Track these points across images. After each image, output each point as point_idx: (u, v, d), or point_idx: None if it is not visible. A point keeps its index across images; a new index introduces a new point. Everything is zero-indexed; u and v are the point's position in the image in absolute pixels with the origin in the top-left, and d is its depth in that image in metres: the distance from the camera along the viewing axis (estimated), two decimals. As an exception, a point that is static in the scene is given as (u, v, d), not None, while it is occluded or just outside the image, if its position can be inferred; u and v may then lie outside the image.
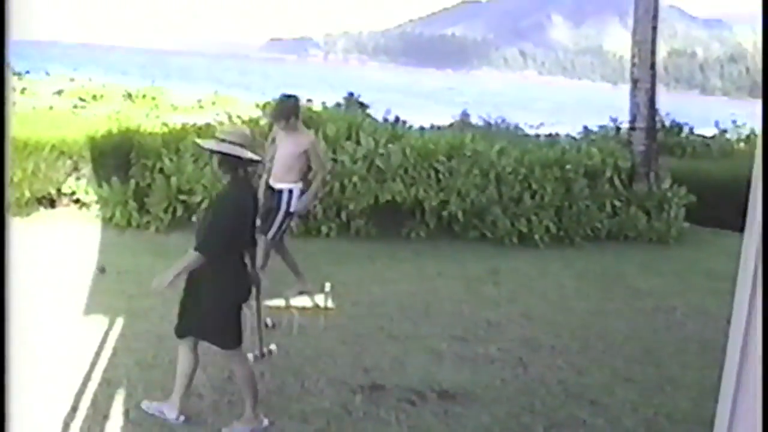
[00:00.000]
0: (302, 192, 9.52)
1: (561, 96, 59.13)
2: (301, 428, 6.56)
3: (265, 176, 9.78)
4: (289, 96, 9.71)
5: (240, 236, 6.25)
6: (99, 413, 6.56)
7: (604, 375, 8.12)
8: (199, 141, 6.92)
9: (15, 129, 13.15)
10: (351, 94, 18.70)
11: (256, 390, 6.52)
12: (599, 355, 8.72)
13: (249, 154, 6.16)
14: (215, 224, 6.08)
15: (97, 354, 7.75)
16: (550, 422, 6.94)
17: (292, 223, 9.95)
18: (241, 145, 6.16)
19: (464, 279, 10.60)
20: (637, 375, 8.13)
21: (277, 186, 9.55)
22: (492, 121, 17.89)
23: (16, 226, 12.13)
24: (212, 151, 6.31)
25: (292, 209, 9.54)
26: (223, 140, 6.21)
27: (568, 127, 18.71)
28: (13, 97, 16.34)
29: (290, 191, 9.47)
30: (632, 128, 15.43)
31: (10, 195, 12.52)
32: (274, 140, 9.79)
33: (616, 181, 14.39)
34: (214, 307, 6.26)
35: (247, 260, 6.50)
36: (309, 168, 9.58)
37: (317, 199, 10.46)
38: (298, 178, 9.50)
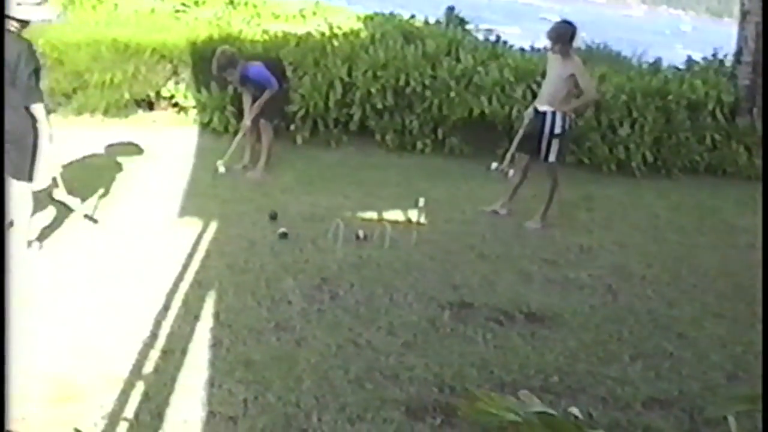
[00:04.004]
0: (564, 116, 9.72)
1: (664, 26, 57.72)
2: (387, 340, 6.58)
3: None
4: (568, 22, 9.88)
5: None
6: (190, 313, 6.67)
7: (694, 308, 8.02)
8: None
9: (117, 31, 13.26)
10: (452, 9, 18.39)
11: None
12: (690, 288, 8.61)
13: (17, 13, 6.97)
14: None
15: (190, 256, 7.86)
16: (636, 351, 6.88)
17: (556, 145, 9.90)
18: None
19: (558, 203, 10.47)
20: (727, 311, 8.01)
21: (541, 108, 9.79)
22: (594, 46, 17.48)
23: (114, 126, 12.31)
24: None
25: (557, 131, 9.70)
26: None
27: (671, 57, 18.24)
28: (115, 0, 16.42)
29: (553, 113, 9.66)
30: (738, 61, 15.01)
31: (110, 96, 12.68)
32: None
33: (718, 115, 14.02)
34: None
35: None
36: (575, 93, 9.82)
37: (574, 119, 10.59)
38: (562, 103, 9.68)
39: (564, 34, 9.66)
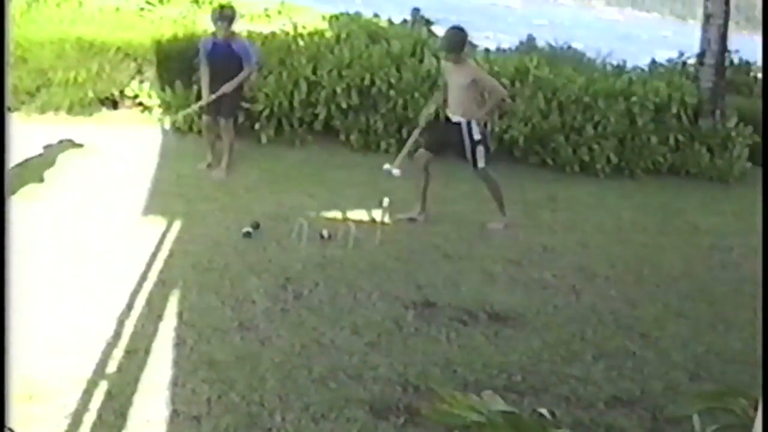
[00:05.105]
0: (478, 122, 9.62)
1: (628, 28, 58.03)
2: (351, 340, 6.58)
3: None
4: (459, 29, 9.76)
5: None
6: (153, 313, 6.65)
7: (656, 309, 8.08)
8: None
9: (81, 29, 13.19)
10: (417, 10, 18.46)
11: None
12: (653, 288, 8.68)
13: None
14: None
15: (154, 255, 7.84)
16: (599, 351, 6.91)
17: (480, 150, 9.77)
18: None
19: (522, 203, 10.54)
20: (689, 311, 8.06)
21: (454, 119, 9.66)
22: (558, 47, 17.55)
23: (78, 124, 12.23)
24: None
25: (476, 137, 9.60)
26: None
27: (635, 59, 18.34)
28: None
29: (468, 122, 9.55)
30: (701, 64, 15.10)
31: (74, 94, 12.61)
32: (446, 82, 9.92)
33: (682, 116, 14.11)
34: None
35: None
36: (483, 96, 9.69)
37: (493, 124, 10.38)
38: (474, 110, 9.57)
39: (457, 41, 9.59)
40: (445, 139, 9.81)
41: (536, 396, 6.04)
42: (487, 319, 7.30)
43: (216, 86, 10.63)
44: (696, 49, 15.64)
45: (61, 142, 11.03)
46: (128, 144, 11.58)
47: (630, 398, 6.20)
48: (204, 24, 14.41)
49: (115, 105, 13.19)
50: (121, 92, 13.11)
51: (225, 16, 10.42)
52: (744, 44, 16.88)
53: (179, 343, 6.20)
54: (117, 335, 6.22)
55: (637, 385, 6.42)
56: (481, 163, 9.71)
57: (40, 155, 10.45)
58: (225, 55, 10.59)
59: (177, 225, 8.71)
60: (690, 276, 9.16)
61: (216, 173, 10.64)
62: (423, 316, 7.20)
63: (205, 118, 10.90)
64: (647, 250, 9.96)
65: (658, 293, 8.55)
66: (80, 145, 11.06)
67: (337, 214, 9.64)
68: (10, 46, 12.18)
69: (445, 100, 9.92)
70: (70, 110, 12.57)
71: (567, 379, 6.36)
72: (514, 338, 6.98)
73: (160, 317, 6.59)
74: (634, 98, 13.64)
